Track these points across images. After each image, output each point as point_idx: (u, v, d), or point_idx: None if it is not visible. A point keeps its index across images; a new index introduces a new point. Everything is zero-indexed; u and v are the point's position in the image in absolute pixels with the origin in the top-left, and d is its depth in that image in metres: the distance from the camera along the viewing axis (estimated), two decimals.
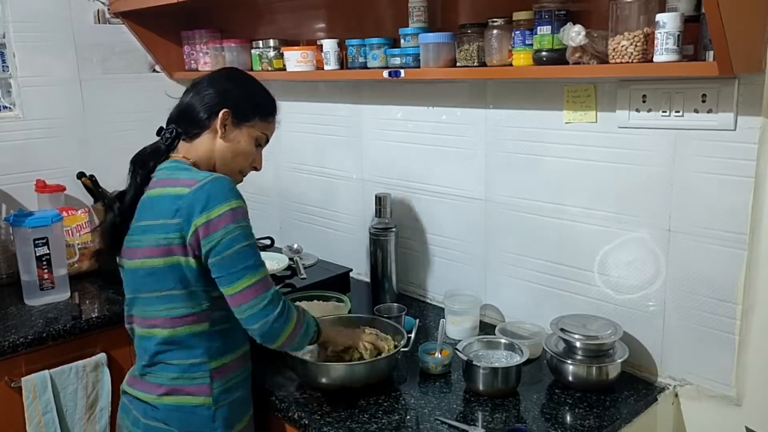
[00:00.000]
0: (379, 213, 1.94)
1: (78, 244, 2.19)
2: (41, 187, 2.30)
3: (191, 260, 1.30)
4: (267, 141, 1.51)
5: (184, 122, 1.44)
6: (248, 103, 1.46)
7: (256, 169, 1.51)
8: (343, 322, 1.65)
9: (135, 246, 1.36)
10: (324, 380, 1.46)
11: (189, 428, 1.36)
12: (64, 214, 2.15)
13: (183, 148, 1.44)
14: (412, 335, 1.60)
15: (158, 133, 1.48)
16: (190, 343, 1.35)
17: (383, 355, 1.50)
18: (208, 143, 1.42)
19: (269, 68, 2.19)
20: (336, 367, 1.46)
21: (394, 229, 1.94)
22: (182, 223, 1.29)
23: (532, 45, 1.49)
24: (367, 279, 2.20)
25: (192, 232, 1.28)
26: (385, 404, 1.45)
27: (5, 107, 2.35)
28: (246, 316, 1.30)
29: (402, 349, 1.54)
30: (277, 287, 1.35)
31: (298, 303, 1.81)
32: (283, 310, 1.31)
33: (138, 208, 1.38)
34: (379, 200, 1.94)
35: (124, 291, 1.43)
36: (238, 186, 1.37)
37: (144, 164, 1.42)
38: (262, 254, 2.14)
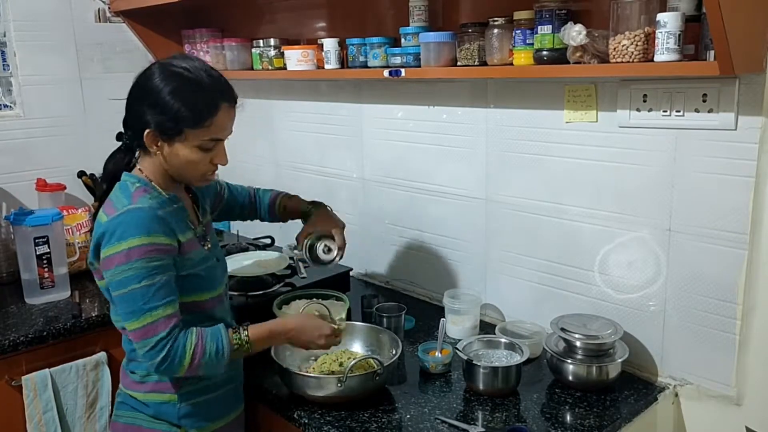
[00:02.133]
0: None
1: (78, 242, 2.19)
2: (42, 185, 2.30)
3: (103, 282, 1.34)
4: (219, 139, 1.34)
5: (129, 135, 1.37)
6: (173, 115, 1.27)
7: (221, 164, 1.37)
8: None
9: None
10: (318, 394, 1.44)
11: (158, 417, 1.38)
12: (65, 212, 2.15)
13: (141, 159, 1.38)
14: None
15: (117, 138, 1.41)
16: None
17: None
18: (157, 159, 1.34)
19: (270, 67, 2.19)
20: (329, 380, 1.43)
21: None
22: (94, 250, 1.32)
23: (532, 44, 1.49)
24: (366, 278, 2.20)
25: (98, 263, 1.32)
26: (385, 403, 1.45)
27: (6, 106, 2.35)
28: (140, 354, 1.28)
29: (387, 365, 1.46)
30: (171, 325, 1.26)
31: (297, 302, 1.82)
32: (168, 355, 1.24)
33: None
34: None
35: None
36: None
37: (110, 176, 1.40)
38: (262, 254, 2.18)
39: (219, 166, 1.39)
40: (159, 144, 1.31)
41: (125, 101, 1.37)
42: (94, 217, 1.41)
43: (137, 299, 1.25)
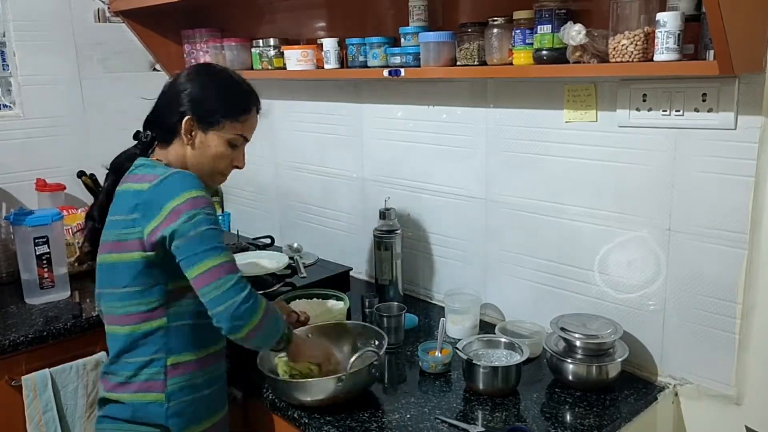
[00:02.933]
0: (383, 216, 1.95)
1: (78, 242, 2.19)
2: (41, 185, 2.30)
3: (148, 255, 1.30)
4: (245, 140, 1.45)
5: (157, 128, 1.43)
6: (214, 105, 1.38)
7: (238, 167, 1.46)
8: (320, 330, 1.64)
9: (102, 240, 1.38)
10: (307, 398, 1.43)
11: (142, 420, 1.35)
12: (65, 212, 2.15)
13: (159, 153, 1.43)
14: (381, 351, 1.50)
15: (135, 137, 1.46)
16: (148, 340, 1.34)
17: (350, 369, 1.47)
18: (180, 149, 1.40)
19: (269, 67, 2.19)
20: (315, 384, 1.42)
21: (399, 232, 1.94)
22: (140, 218, 1.29)
23: (532, 44, 1.49)
24: (367, 278, 2.20)
25: (151, 226, 1.28)
26: (385, 403, 1.45)
27: (5, 106, 2.35)
28: (210, 298, 1.24)
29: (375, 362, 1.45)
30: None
31: (297, 301, 1.83)
32: (250, 296, 1.26)
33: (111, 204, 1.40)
34: (383, 214, 1.94)
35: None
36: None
37: (118, 170, 1.43)
38: (262, 253, 2.19)
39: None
40: (193, 133, 1.38)
41: (159, 95, 1.43)
42: (105, 199, 1.41)
43: (213, 239, 1.26)
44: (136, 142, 1.46)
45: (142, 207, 1.29)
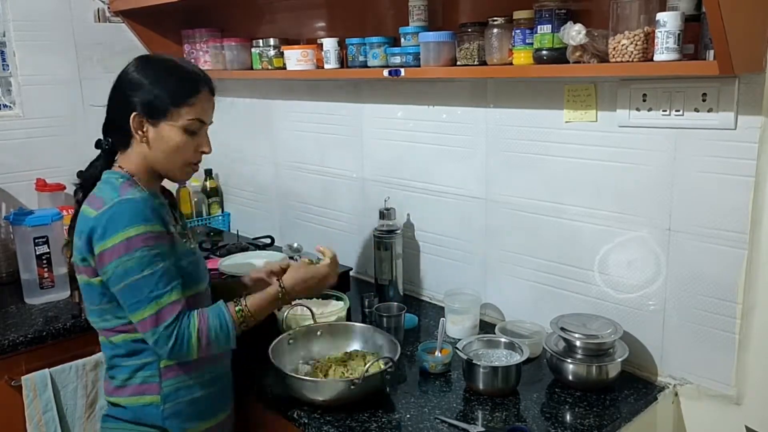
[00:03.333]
0: (383, 216, 1.95)
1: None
2: (41, 185, 2.30)
3: (100, 280, 1.30)
4: (203, 123, 1.37)
5: (112, 133, 1.40)
6: (157, 94, 1.32)
7: (205, 152, 1.40)
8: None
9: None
10: (319, 398, 1.43)
11: (141, 422, 1.36)
12: (64, 212, 2.15)
13: (121, 159, 1.39)
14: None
15: (97, 146, 1.43)
16: (137, 347, 1.35)
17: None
18: (139, 149, 1.36)
19: (269, 67, 2.19)
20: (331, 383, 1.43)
21: (398, 232, 1.94)
22: (84, 247, 1.29)
23: (532, 44, 1.49)
24: (367, 278, 2.20)
25: (92, 259, 1.29)
26: (385, 403, 1.45)
27: (5, 106, 2.35)
28: (150, 342, 1.29)
29: (389, 369, 1.44)
30: (177, 311, 1.28)
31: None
32: (177, 339, 1.27)
33: None
34: (383, 214, 1.94)
35: None
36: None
37: (86, 184, 1.41)
38: (262, 253, 2.18)
39: (204, 158, 1.41)
40: (145, 129, 1.33)
41: (108, 100, 1.39)
42: (74, 215, 1.39)
43: (142, 289, 1.26)
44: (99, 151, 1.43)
45: (85, 236, 1.28)
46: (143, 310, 1.26)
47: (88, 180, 1.41)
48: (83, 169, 1.45)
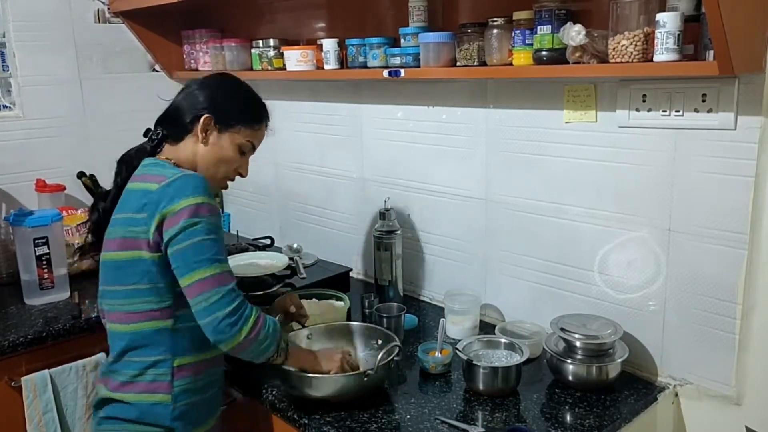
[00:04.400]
0: (383, 217, 1.95)
1: (78, 243, 2.19)
2: (41, 186, 2.30)
3: (155, 255, 1.31)
4: (253, 149, 1.50)
5: (170, 125, 1.45)
6: (233, 109, 1.44)
7: (242, 175, 1.51)
8: (332, 331, 1.65)
9: (108, 238, 1.39)
10: (313, 393, 1.42)
11: (147, 421, 1.35)
12: (64, 213, 2.15)
13: (168, 151, 1.45)
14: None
15: (145, 134, 1.49)
16: (154, 340, 1.34)
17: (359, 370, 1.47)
18: (191, 147, 1.43)
19: (269, 68, 2.19)
20: (324, 380, 1.42)
21: (398, 232, 1.94)
22: (147, 218, 1.30)
23: (532, 44, 1.49)
24: (367, 278, 2.20)
25: (155, 226, 1.29)
26: (385, 404, 1.45)
27: (5, 107, 2.35)
28: (198, 309, 1.27)
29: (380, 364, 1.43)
30: (235, 281, 1.31)
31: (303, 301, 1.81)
32: (238, 309, 1.27)
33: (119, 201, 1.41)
34: (383, 215, 1.94)
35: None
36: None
37: (128, 165, 1.46)
38: (262, 254, 2.19)
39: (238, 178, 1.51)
40: (209, 131, 1.42)
41: (180, 92, 1.47)
42: (114, 196, 1.42)
43: (208, 249, 1.28)
44: (145, 139, 1.48)
45: (149, 207, 1.30)
46: (206, 269, 1.26)
47: (131, 162, 1.45)
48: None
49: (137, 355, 1.35)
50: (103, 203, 1.47)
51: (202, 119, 1.40)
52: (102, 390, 1.40)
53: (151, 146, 1.46)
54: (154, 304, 1.33)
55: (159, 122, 1.48)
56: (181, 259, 1.28)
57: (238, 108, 1.45)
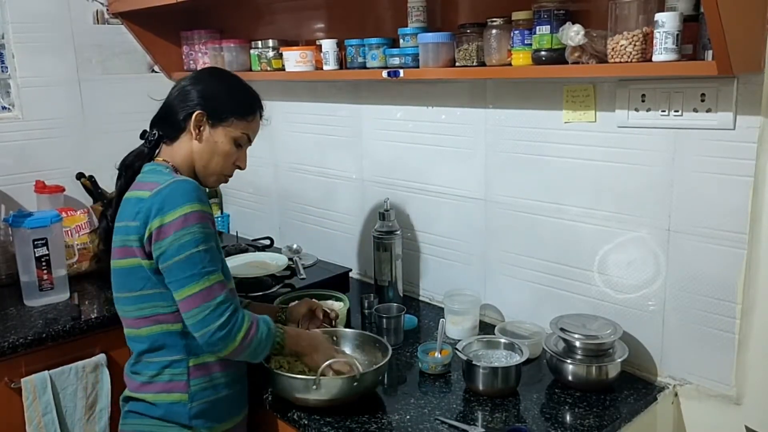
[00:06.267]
0: (383, 218, 1.95)
1: (77, 244, 2.19)
2: (40, 187, 2.30)
3: (151, 262, 1.32)
4: (249, 141, 1.49)
5: (164, 125, 1.45)
6: (224, 102, 1.43)
7: (240, 168, 1.50)
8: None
9: (113, 246, 1.39)
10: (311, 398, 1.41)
11: (168, 419, 1.37)
12: (64, 214, 2.15)
13: (165, 152, 1.46)
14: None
15: (142, 136, 1.49)
16: (168, 342, 1.36)
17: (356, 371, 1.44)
18: (187, 145, 1.43)
19: (268, 68, 2.19)
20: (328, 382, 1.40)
21: (398, 233, 1.94)
22: (140, 226, 1.31)
23: (531, 45, 1.49)
24: (366, 279, 2.20)
25: (147, 236, 1.30)
26: (385, 404, 1.45)
27: (4, 108, 2.35)
28: (190, 323, 1.30)
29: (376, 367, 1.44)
30: (232, 297, 1.32)
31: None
32: (228, 322, 1.29)
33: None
34: (383, 215, 1.94)
35: None
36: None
37: (128, 169, 1.46)
38: (261, 254, 2.18)
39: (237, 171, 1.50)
40: (202, 127, 1.41)
41: (170, 93, 1.46)
42: (116, 202, 1.42)
43: (196, 263, 1.28)
44: (142, 141, 1.49)
45: (141, 216, 1.31)
46: (195, 285, 1.27)
47: (132, 166, 1.46)
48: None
49: (154, 356, 1.37)
50: (111, 210, 1.47)
51: (194, 116, 1.40)
52: (126, 389, 1.44)
53: (148, 148, 1.46)
54: (161, 308, 1.34)
55: (153, 123, 1.48)
56: (172, 274, 1.29)
57: (229, 101, 1.44)
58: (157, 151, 1.47)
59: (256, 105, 1.48)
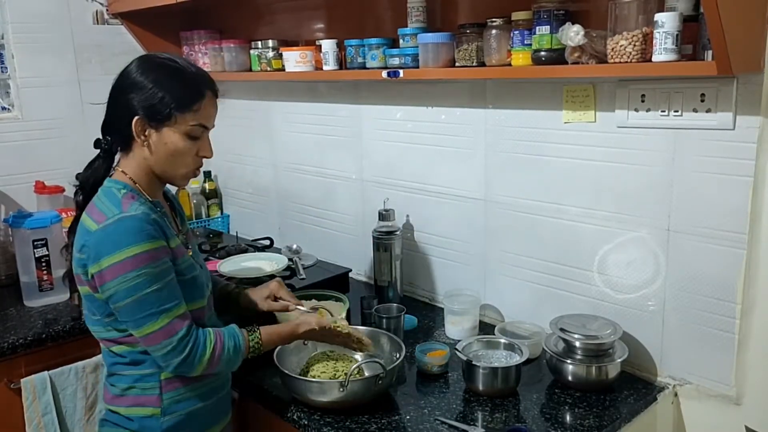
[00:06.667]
0: (383, 218, 1.95)
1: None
2: (40, 188, 2.30)
3: (100, 295, 1.27)
4: (206, 129, 1.34)
5: (112, 132, 1.36)
6: (160, 99, 1.27)
7: (206, 156, 1.37)
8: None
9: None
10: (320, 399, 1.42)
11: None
12: (63, 215, 2.15)
13: (123, 162, 1.36)
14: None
15: (96, 145, 1.38)
16: (138, 358, 1.32)
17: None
18: (140, 153, 1.32)
19: (268, 69, 2.19)
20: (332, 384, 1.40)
21: (398, 233, 1.94)
22: (86, 260, 1.26)
23: (531, 45, 1.49)
24: (366, 279, 2.20)
25: (92, 275, 1.25)
26: (385, 405, 1.45)
27: (4, 108, 2.35)
28: (154, 356, 1.28)
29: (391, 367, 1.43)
30: (187, 323, 1.28)
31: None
32: (191, 353, 1.27)
33: None
34: (382, 215, 1.94)
35: None
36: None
37: (84, 187, 1.37)
38: (261, 255, 2.18)
39: (204, 162, 1.39)
40: (147, 133, 1.30)
41: (107, 100, 1.35)
42: (75, 220, 1.36)
43: (152, 303, 1.24)
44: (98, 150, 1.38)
45: (86, 250, 1.25)
46: (153, 324, 1.24)
47: (87, 181, 1.37)
48: (82, 170, 1.40)
49: (126, 369, 1.34)
50: (70, 232, 1.38)
51: (133, 124, 1.28)
52: (102, 396, 1.42)
53: (104, 158, 1.37)
54: (119, 333, 1.31)
55: (103, 130, 1.37)
56: (127, 315, 1.25)
57: (166, 95, 1.28)
58: (116, 160, 1.37)
59: (200, 88, 1.31)
